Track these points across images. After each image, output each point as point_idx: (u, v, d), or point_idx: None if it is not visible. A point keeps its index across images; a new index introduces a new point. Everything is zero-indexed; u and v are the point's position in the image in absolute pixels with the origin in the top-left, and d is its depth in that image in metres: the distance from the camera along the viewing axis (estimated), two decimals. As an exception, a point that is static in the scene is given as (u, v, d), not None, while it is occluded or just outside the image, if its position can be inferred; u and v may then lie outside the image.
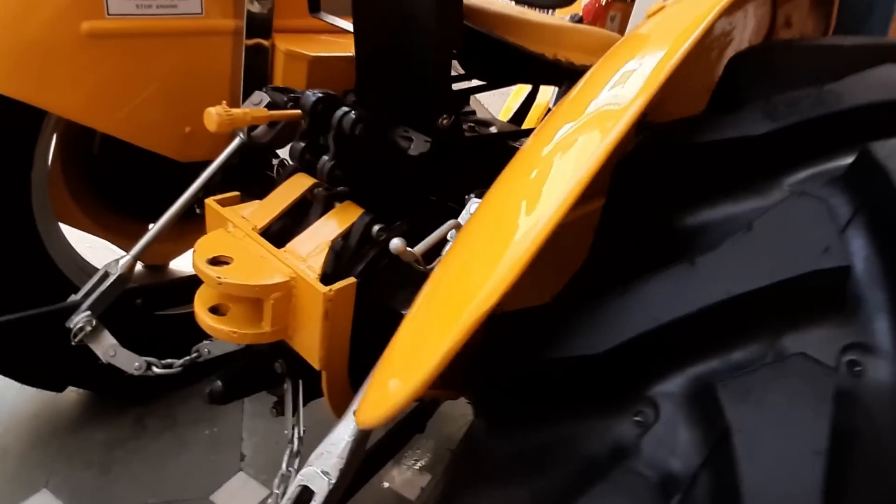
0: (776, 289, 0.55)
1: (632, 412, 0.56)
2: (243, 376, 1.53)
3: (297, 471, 1.40)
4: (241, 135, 1.60)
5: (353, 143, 1.31)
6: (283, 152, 1.94)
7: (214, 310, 1.32)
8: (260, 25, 1.77)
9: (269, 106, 1.57)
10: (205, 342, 1.62)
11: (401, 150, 1.44)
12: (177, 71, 1.76)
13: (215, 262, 1.28)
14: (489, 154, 1.68)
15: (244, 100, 1.73)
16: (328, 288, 1.22)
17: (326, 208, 1.41)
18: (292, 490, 1.09)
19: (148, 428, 2.39)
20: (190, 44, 1.75)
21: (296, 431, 1.43)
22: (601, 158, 0.66)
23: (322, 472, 1.09)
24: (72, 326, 1.51)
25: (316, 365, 1.30)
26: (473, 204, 1.20)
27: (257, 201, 1.47)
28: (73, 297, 1.58)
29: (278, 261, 1.29)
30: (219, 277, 1.22)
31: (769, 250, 0.58)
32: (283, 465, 1.38)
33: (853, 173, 0.64)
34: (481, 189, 1.56)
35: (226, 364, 1.59)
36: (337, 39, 1.90)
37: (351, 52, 1.59)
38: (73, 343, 1.53)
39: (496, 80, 1.94)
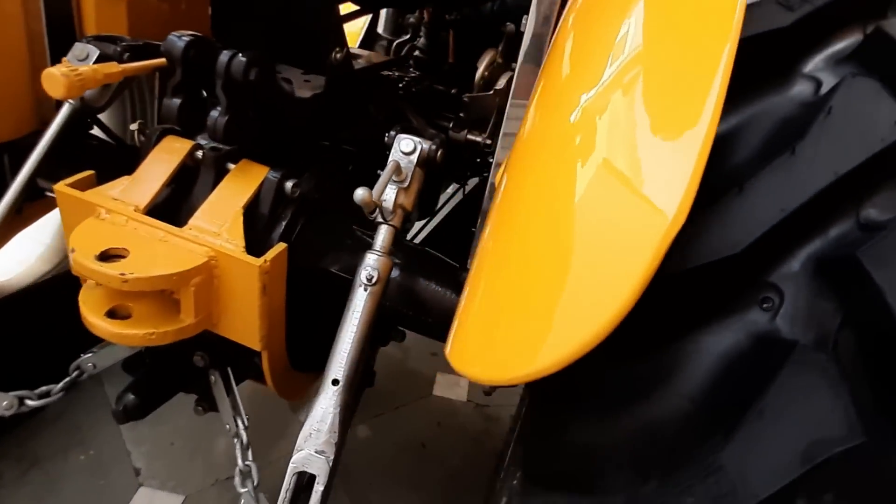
0: (867, 163, 0.61)
1: (757, 301, 0.59)
2: (156, 381, 1.33)
3: (252, 463, 1.28)
4: (71, 100, 1.29)
5: (246, 91, 1.12)
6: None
7: (111, 314, 1.10)
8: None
9: (101, 59, 1.28)
10: (86, 356, 1.35)
11: (289, 94, 1.28)
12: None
13: (106, 257, 1.05)
14: (372, 87, 1.57)
15: (56, 56, 1.39)
16: (262, 259, 1.08)
17: (219, 172, 1.22)
18: (288, 480, 0.99)
19: (5, 475, 1.98)
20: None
21: (239, 422, 1.29)
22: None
23: (317, 452, 1.00)
24: None
25: (257, 346, 1.16)
26: (403, 141, 1.12)
27: (125, 178, 1.21)
28: None
29: (186, 241, 1.10)
30: (122, 274, 1.01)
31: (852, 129, 0.63)
32: (239, 461, 1.24)
33: (867, 49, 0.70)
34: (401, 124, 1.48)
35: (131, 372, 1.36)
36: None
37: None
38: None
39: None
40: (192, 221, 1.14)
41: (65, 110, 1.29)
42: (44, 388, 1.34)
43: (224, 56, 1.10)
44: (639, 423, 0.63)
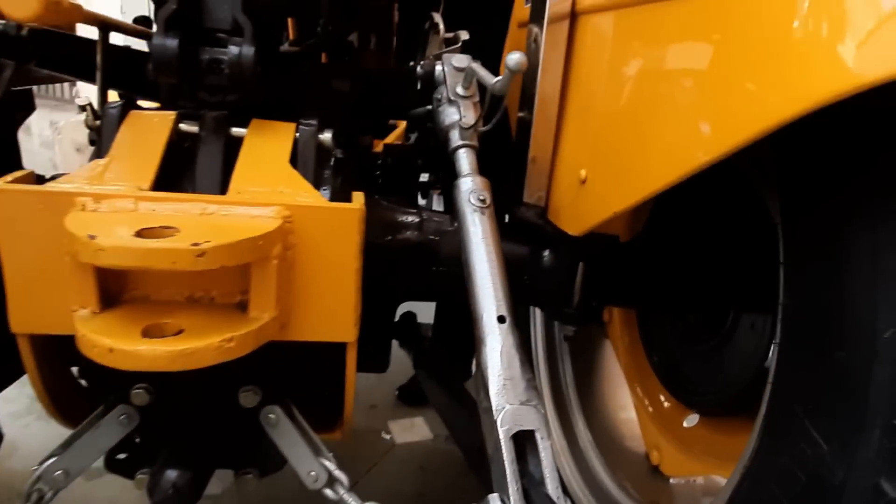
0: None
1: None
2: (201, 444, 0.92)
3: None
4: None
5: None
6: None
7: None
8: None
9: None
10: (48, 463, 0.88)
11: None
12: None
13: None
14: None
15: None
16: (357, 203, 0.83)
17: (228, 139, 0.92)
18: (506, 447, 0.74)
19: None
20: None
21: (327, 463, 0.93)
22: None
23: (522, 403, 0.77)
24: None
25: (350, 333, 0.88)
26: (455, 58, 0.97)
27: (94, 163, 0.85)
28: None
29: (240, 206, 0.80)
30: (196, 245, 0.68)
31: None
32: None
33: None
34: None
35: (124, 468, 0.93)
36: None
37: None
38: None
39: None
40: (232, 187, 0.84)
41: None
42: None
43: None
44: None
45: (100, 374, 0.90)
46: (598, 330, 1.76)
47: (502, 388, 0.78)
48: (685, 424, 1.44)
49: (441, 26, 1.31)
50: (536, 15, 1.10)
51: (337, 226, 0.82)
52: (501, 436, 0.74)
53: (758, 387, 1.15)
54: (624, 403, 1.64)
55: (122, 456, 0.95)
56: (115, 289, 0.80)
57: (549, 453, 0.75)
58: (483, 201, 0.90)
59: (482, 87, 0.95)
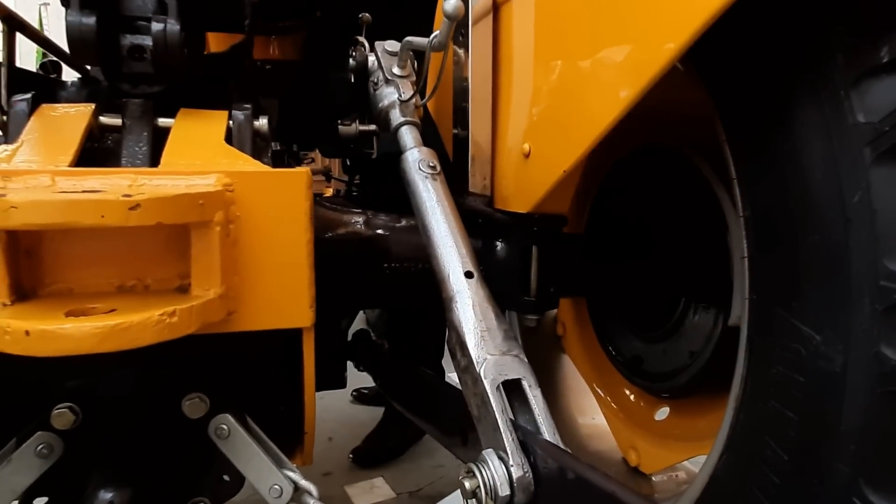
0: None
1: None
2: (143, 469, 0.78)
3: None
4: None
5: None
6: None
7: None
8: None
9: None
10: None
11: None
12: None
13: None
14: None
15: None
16: (303, 169, 0.78)
17: (155, 129, 0.85)
18: (495, 399, 0.67)
19: None
20: None
21: (291, 475, 0.81)
22: None
23: (503, 353, 0.71)
24: None
25: (305, 318, 0.80)
26: (388, 43, 0.96)
27: (0, 147, 0.75)
28: None
29: (175, 176, 0.72)
30: (128, 196, 0.60)
31: None
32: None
33: None
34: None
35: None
36: None
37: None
38: None
39: None
40: (164, 161, 0.77)
41: None
42: None
43: None
44: None
45: (12, 397, 0.77)
46: (552, 346, 1.73)
47: (480, 340, 0.72)
48: (657, 418, 1.41)
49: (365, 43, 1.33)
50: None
51: (283, 193, 0.76)
52: (487, 386, 0.68)
53: (725, 353, 1.16)
54: (591, 411, 1.60)
55: (41, 501, 0.80)
56: (29, 281, 0.69)
57: (541, 400, 0.69)
58: (433, 167, 0.88)
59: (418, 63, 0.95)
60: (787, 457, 0.69)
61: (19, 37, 0.99)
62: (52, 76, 1.15)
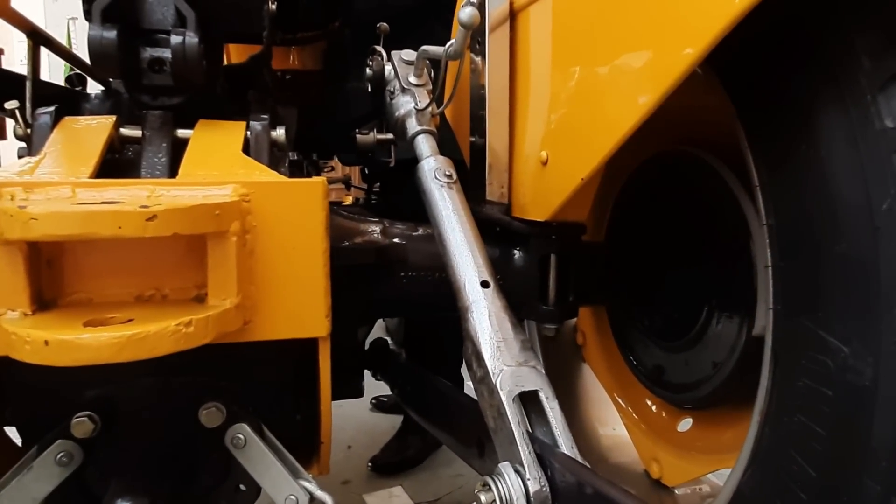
0: None
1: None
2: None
3: None
4: None
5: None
6: None
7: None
8: None
9: None
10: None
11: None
12: None
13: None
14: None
15: None
16: (318, 179, 0.78)
17: (174, 141, 0.86)
18: (511, 411, 0.66)
19: None
20: None
21: (307, 485, 0.81)
22: None
23: (519, 364, 0.70)
24: None
25: (322, 327, 0.80)
26: (404, 52, 0.97)
27: (24, 159, 0.77)
28: None
29: (193, 186, 0.73)
30: (145, 207, 0.61)
31: None
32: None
33: None
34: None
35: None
36: None
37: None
38: None
39: None
40: (182, 172, 0.78)
41: None
42: None
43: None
44: None
45: (34, 406, 0.78)
46: (572, 355, 1.71)
47: (497, 351, 0.71)
48: (680, 429, 1.38)
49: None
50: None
51: (299, 203, 0.76)
52: (504, 398, 0.67)
53: (749, 364, 1.13)
54: (612, 422, 1.57)
55: (61, 510, 0.81)
56: (49, 291, 0.70)
57: (559, 412, 0.68)
58: (449, 177, 0.88)
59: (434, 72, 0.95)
60: (815, 473, 0.67)
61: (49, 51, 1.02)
62: (78, 89, 1.18)
